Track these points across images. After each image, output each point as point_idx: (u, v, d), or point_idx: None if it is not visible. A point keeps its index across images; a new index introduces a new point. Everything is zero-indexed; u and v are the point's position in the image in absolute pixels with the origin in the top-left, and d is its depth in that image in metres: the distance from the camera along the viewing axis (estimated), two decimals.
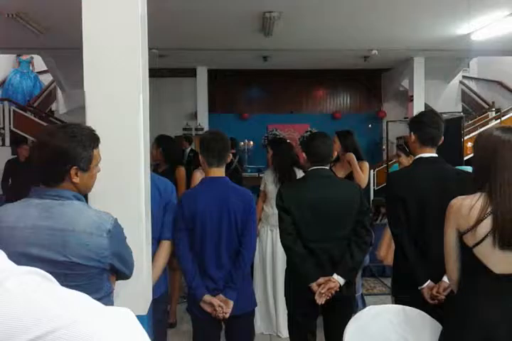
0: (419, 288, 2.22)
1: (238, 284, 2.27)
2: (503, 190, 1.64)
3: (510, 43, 7.12)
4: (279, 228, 2.48)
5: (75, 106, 7.39)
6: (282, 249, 2.58)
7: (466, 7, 5.23)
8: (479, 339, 1.67)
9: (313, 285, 2.32)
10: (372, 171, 7.10)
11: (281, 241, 2.48)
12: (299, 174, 3.60)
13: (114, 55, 1.94)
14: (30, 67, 9.27)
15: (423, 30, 6.53)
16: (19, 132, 6.75)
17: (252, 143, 9.23)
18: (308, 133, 7.12)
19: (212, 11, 5.45)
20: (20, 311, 0.47)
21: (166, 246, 2.30)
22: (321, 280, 2.33)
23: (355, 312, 2.19)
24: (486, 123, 8.67)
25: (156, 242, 2.25)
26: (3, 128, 6.77)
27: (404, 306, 2.05)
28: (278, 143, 4.13)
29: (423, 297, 2.20)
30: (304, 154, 2.61)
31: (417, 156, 2.42)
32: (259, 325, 3.59)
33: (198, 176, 3.36)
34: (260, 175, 5.75)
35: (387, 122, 7.99)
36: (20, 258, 1.35)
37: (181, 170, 3.92)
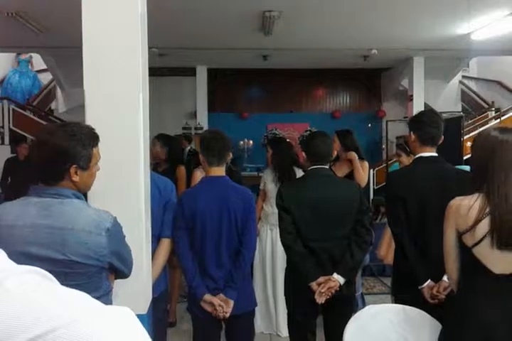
0: (420, 287, 2.22)
1: (238, 284, 2.27)
2: (501, 191, 1.64)
3: (510, 43, 7.12)
4: (279, 227, 2.48)
5: (75, 104, 7.38)
6: (282, 248, 2.58)
7: (466, 7, 5.23)
8: (478, 339, 1.67)
9: (313, 285, 2.32)
10: (371, 170, 7.10)
11: (281, 240, 2.48)
12: (299, 173, 3.60)
13: (114, 54, 1.94)
14: (29, 66, 9.26)
15: (423, 29, 6.52)
16: (18, 131, 6.75)
17: (251, 142, 9.23)
18: (308, 132, 7.11)
19: (212, 9, 5.45)
20: (20, 310, 0.47)
21: (165, 244, 2.30)
22: (321, 279, 2.33)
23: (355, 312, 2.19)
24: (486, 122, 8.68)
25: (156, 240, 2.25)
26: (3, 127, 6.77)
27: (404, 305, 2.05)
28: (277, 142, 4.13)
29: (423, 296, 2.20)
30: (303, 153, 2.61)
31: (417, 156, 2.42)
32: (259, 324, 3.59)
33: (199, 175, 3.36)
34: (260, 174, 5.74)
35: (386, 121, 7.99)
36: (20, 257, 1.35)
37: (182, 170, 3.93)
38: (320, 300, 2.31)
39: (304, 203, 2.40)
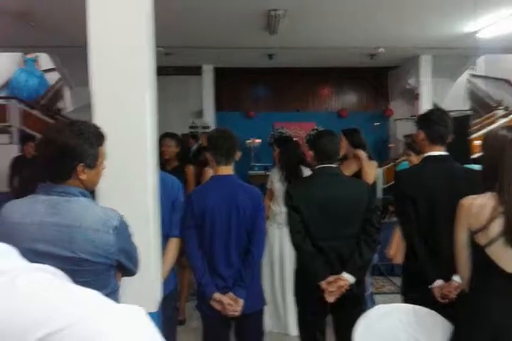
0: (430, 286, 2.20)
1: (248, 282, 2.27)
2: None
3: None
4: (288, 226, 2.47)
5: (82, 103, 7.41)
6: (290, 247, 2.57)
7: (472, 5, 5.20)
8: (490, 340, 1.65)
9: (323, 284, 2.32)
10: (380, 169, 7.07)
11: (290, 239, 2.47)
12: (306, 172, 3.59)
13: (120, 54, 1.94)
14: (36, 66, 9.28)
15: (430, 28, 6.49)
16: (27, 130, 6.79)
17: (258, 141, 9.22)
18: (315, 131, 7.09)
19: (217, 9, 5.45)
20: (32, 309, 0.47)
21: (174, 243, 2.30)
22: (330, 278, 2.32)
23: (365, 311, 2.18)
24: (494, 121, 8.61)
25: (165, 239, 2.25)
26: (11, 126, 6.81)
27: (414, 305, 2.04)
28: (284, 141, 4.12)
29: (433, 296, 2.19)
30: (310, 152, 2.60)
31: (426, 154, 2.40)
32: (268, 323, 3.59)
33: (210, 173, 3.36)
34: (267, 173, 5.75)
35: (394, 120, 7.95)
36: (28, 253, 1.34)
37: (190, 168, 3.94)
38: (330, 299, 2.30)
39: (312, 202, 2.40)
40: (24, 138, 5.88)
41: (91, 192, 1.65)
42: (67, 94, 8.67)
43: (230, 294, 2.26)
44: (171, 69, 8.70)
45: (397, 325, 1.97)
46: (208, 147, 2.45)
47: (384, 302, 2.43)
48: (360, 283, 2.44)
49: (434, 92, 8.43)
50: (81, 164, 1.49)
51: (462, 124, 6.67)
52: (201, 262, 2.29)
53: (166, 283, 2.19)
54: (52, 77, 9.18)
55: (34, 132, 6.58)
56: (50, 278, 0.54)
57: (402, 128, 7.95)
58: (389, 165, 8.08)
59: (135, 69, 1.96)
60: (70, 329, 0.46)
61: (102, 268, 1.49)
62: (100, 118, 1.89)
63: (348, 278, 2.33)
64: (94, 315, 0.48)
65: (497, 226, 1.63)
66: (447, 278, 2.17)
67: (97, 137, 1.54)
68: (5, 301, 0.47)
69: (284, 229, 3.52)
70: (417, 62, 8.33)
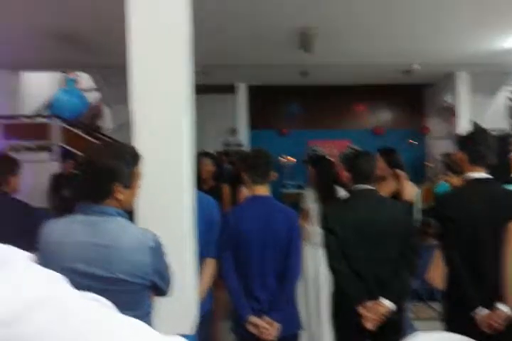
0: (472, 314, 2.11)
1: (284, 306, 2.24)
2: None
3: None
4: (324, 249, 2.43)
5: (121, 122, 7.62)
6: (325, 269, 2.53)
7: (511, 19, 5.10)
8: None
9: (361, 309, 2.25)
10: (417, 190, 6.89)
11: (326, 261, 2.43)
12: (341, 192, 3.55)
13: (160, 75, 1.99)
14: (76, 85, 9.62)
15: (467, 43, 6.38)
16: (68, 147, 7.02)
17: (291, 159, 9.21)
18: (350, 149, 7.02)
19: (251, 28, 5.53)
20: (88, 335, 0.48)
21: (210, 264, 2.30)
22: (368, 303, 2.26)
23: (403, 338, 2.10)
24: None
25: (201, 260, 2.25)
26: (53, 144, 7.05)
27: (456, 334, 1.95)
28: (319, 160, 4.09)
29: (477, 324, 2.09)
30: (346, 172, 2.57)
31: (468, 176, 2.33)
32: None
33: (244, 192, 3.37)
34: (300, 192, 5.71)
35: (431, 138, 7.79)
36: (68, 273, 1.37)
37: (226, 188, 3.95)
38: (368, 325, 2.23)
39: (349, 224, 2.36)
40: (64, 156, 6.07)
41: (129, 212, 1.69)
42: (106, 112, 8.95)
43: (266, 317, 2.23)
44: (205, 87, 8.84)
45: None
46: (243, 167, 2.46)
47: (423, 329, 2.34)
48: (399, 308, 2.37)
49: (472, 110, 8.23)
50: (118, 184, 1.53)
51: (502, 143, 6.46)
52: (237, 284, 2.27)
53: (202, 304, 2.18)
54: (93, 96, 9.50)
55: (74, 150, 6.80)
56: (101, 307, 0.54)
57: (440, 146, 7.77)
58: (427, 186, 7.88)
59: (174, 90, 2.00)
60: None
61: (137, 288, 1.50)
62: (139, 138, 1.94)
63: (387, 304, 2.26)
64: None
65: None
66: (492, 306, 2.07)
67: (133, 157, 1.58)
68: (62, 326, 0.48)
69: (319, 249, 3.46)
70: (453, 78, 8.17)
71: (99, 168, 1.50)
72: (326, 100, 9.79)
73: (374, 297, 2.28)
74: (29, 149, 6.90)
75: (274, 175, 2.45)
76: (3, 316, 0.45)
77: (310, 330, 3.61)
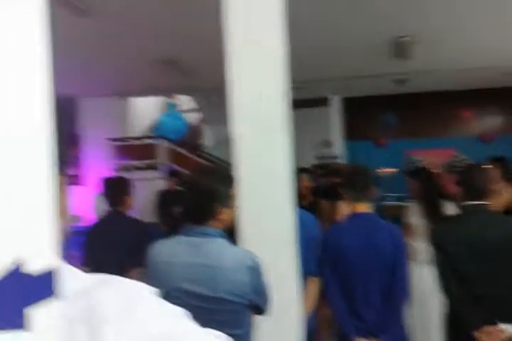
0: None
1: (392, 327, 2.14)
2: None
3: None
4: (435, 267, 2.29)
5: (220, 140, 7.95)
6: (432, 288, 2.38)
7: None
8: None
9: (478, 334, 2.08)
10: None
11: (437, 281, 2.28)
12: (448, 206, 3.34)
13: (257, 96, 2.04)
14: (177, 109, 10.26)
15: None
16: (173, 166, 7.49)
17: (390, 170, 8.88)
18: (455, 159, 6.57)
19: (345, 39, 5.48)
20: None
21: (313, 282, 2.29)
22: (487, 328, 2.08)
23: None
24: None
25: (304, 278, 2.24)
26: (159, 163, 7.56)
27: None
28: (420, 172, 3.89)
29: None
30: (455, 185, 2.41)
31: None
32: None
33: (343, 208, 3.30)
34: (401, 204, 5.48)
35: None
36: (175, 292, 1.46)
37: (324, 203, 3.92)
38: None
39: (462, 243, 2.20)
40: (170, 174, 6.46)
41: (230, 231, 1.75)
42: (207, 131, 9.41)
43: (373, 339, 2.14)
44: (299, 102, 8.88)
45: None
46: (342, 183, 2.42)
47: None
48: None
49: None
50: (221, 205, 1.60)
51: None
52: (341, 303, 2.23)
53: (306, 323, 2.16)
54: (193, 116, 10.06)
55: (179, 168, 7.23)
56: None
57: None
58: None
59: (271, 110, 2.04)
60: None
61: (238, 307, 1.54)
62: (239, 157, 2.00)
63: (508, 329, 2.06)
64: None
65: None
66: None
67: (231, 179, 1.68)
68: None
69: (425, 267, 3.28)
70: None
71: (201, 191, 1.59)
72: (426, 107, 9.33)
73: (492, 321, 2.09)
74: (138, 168, 7.47)
75: (375, 192, 2.37)
76: None
77: None
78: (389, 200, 8.22)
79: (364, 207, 2.31)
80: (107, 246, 2.76)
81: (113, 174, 6.89)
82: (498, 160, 3.37)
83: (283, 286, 1.94)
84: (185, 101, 9.83)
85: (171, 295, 1.42)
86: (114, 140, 7.74)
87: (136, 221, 2.98)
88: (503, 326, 2.07)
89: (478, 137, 9.23)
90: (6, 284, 0.35)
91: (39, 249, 0.38)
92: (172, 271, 1.55)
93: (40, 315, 0.37)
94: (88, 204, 6.71)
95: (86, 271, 2.03)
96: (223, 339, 0.58)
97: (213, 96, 7.02)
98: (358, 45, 5.74)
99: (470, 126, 9.53)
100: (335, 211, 3.60)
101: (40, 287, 0.38)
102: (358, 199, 2.30)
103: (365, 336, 2.16)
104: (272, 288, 1.85)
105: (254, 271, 1.56)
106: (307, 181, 3.76)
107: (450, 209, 3.34)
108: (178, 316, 0.57)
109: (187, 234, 1.61)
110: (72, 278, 0.53)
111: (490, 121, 9.45)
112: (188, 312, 0.59)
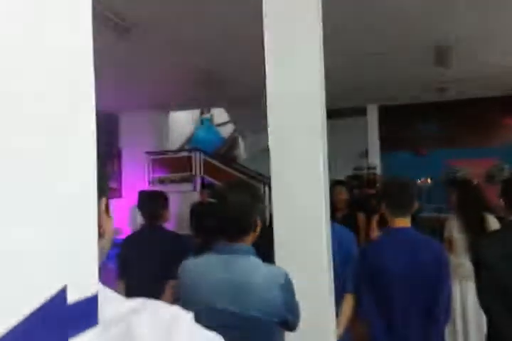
0: None
1: None
2: None
3: None
4: (476, 286, 2.20)
5: (254, 151, 7.99)
6: (474, 305, 2.28)
7: None
8: None
9: None
10: None
11: (478, 300, 2.19)
12: (490, 220, 3.22)
13: (295, 109, 2.04)
14: (211, 123, 10.43)
15: None
16: (207, 178, 7.57)
17: (429, 180, 8.66)
18: (496, 168, 6.34)
19: (385, 48, 5.43)
20: None
21: (348, 299, 2.24)
22: None
23: None
24: None
25: (339, 295, 2.20)
26: (194, 175, 7.66)
27: None
28: (462, 184, 3.77)
29: None
30: (499, 198, 2.32)
31: None
32: None
33: (381, 222, 3.24)
34: (439, 216, 5.33)
35: None
36: (205, 311, 1.46)
37: (361, 216, 3.85)
38: None
39: (504, 259, 2.10)
40: (203, 186, 6.52)
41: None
42: (241, 143, 9.49)
43: None
44: (335, 112, 8.83)
45: None
46: (381, 196, 2.37)
47: None
48: None
49: None
50: (257, 220, 1.60)
51: None
52: (378, 320, 2.16)
53: (340, 340, 2.12)
54: (228, 128, 10.19)
55: (214, 180, 7.30)
56: None
57: None
58: None
59: (308, 122, 2.03)
60: None
61: (268, 325, 1.52)
62: (276, 171, 2.00)
63: None
64: None
65: None
66: None
67: (261, 194, 1.68)
68: None
69: (467, 283, 3.17)
70: None
71: (235, 206, 1.58)
72: (466, 115, 9.06)
73: None
74: (173, 181, 7.59)
75: (415, 206, 2.30)
76: None
77: None
78: (427, 212, 8.00)
79: (404, 222, 2.24)
80: (142, 259, 2.79)
81: (149, 187, 7.02)
82: None
83: (317, 303, 1.90)
84: (219, 115, 9.99)
85: (203, 314, 1.41)
86: (152, 153, 7.91)
87: (171, 233, 3.01)
88: None
89: None
90: (47, 313, 0.35)
91: (82, 276, 0.38)
92: (202, 289, 1.54)
93: None
94: (126, 216, 6.86)
95: (120, 285, 2.07)
96: None
97: (248, 108, 7.07)
98: (397, 53, 5.68)
99: None
100: (371, 224, 3.53)
101: (82, 316, 0.38)
102: (397, 214, 2.24)
103: None
104: (306, 304, 1.83)
105: (286, 288, 1.54)
106: (343, 193, 3.71)
107: (492, 222, 3.22)
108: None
109: (218, 252, 1.60)
110: (109, 303, 0.54)
111: None
112: (221, 337, 0.59)
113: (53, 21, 0.37)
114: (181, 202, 6.67)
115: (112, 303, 0.54)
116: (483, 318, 2.44)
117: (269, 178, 2.11)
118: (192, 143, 9.64)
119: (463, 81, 7.11)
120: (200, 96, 7.28)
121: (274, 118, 2.06)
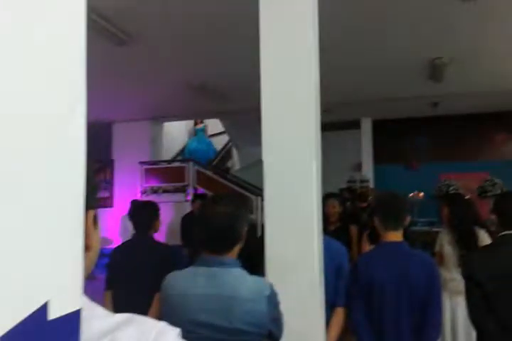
0: None
1: None
2: None
3: None
4: (466, 301, 2.19)
5: (248, 162, 7.99)
6: (464, 320, 2.27)
7: None
8: None
9: None
10: None
11: (469, 316, 2.18)
12: (481, 234, 3.22)
13: (289, 121, 2.05)
14: (204, 134, 10.44)
15: None
16: (200, 188, 7.54)
17: (421, 194, 8.68)
18: (488, 183, 6.37)
19: (377, 62, 5.48)
20: None
21: (339, 313, 2.21)
22: None
23: None
24: None
25: (330, 309, 2.18)
26: (187, 186, 7.63)
27: None
28: (454, 198, 3.78)
29: None
30: (491, 214, 2.33)
31: None
32: None
33: (372, 235, 3.24)
34: (431, 230, 5.34)
35: None
36: (190, 324, 1.44)
37: (354, 229, 3.84)
38: None
39: (495, 275, 2.10)
40: (195, 197, 6.48)
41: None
42: (234, 154, 9.50)
43: None
44: (329, 125, 8.87)
45: None
46: (374, 210, 2.37)
47: None
48: None
49: None
50: (241, 234, 1.60)
51: None
52: (369, 334, 2.14)
53: None
54: (220, 141, 10.21)
55: (207, 190, 7.27)
56: None
57: None
58: None
59: (302, 134, 2.04)
60: None
61: (254, 337, 1.51)
62: (269, 182, 2.00)
63: None
64: None
65: None
66: None
67: (247, 207, 1.68)
68: None
69: (457, 298, 3.15)
70: None
71: (221, 220, 1.57)
72: (459, 130, 9.15)
73: None
74: (166, 191, 7.56)
75: (407, 220, 2.30)
76: None
77: None
78: (419, 225, 8.01)
79: (396, 236, 2.24)
80: (130, 270, 2.76)
81: (142, 197, 6.98)
82: None
83: (308, 316, 1.89)
84: (214, 125, 10.01)
85: (188, 327, 1.39)
86: (145, 163, 7.89)
87: (160, 244, 2.98)
88: None
89: None
90: (27, 330, 0.34)
91: (65, 292, 0.37)
92: (187, 303, 1.52)
93: None
94: (117, 226, 6.81)
95: (108, 296, 2.03)
96: None
97: (242, 119, 7.09)
98: (391, 67, 5.74)
99: (505, 149, 9.28)
100: (363, 237, 3.52)
101: (63, 332, 0.37)
102: (389, 228, 2.23)
103: None
104: (297, 317, 1.81)
105: (272, 300, 1.54)
106: (335, 206, 3.70)
107: (483, 237, 3.23)
108: None
109: (203, 264, 1.58)
110: (95, 318, 0.53)
111: None
112: None
113: (46, 26, 0.37)
114: (174, 212, 6.63)
115: (98, 318, 0.53)
116: (473, 334, 2.43)
117: (261, 189, 2.11)
118: (185, 153, 9.63)
119: (456, 96, 7.19)
120: (194, 107, 7.30)
121: (268, 129, 2.06)
